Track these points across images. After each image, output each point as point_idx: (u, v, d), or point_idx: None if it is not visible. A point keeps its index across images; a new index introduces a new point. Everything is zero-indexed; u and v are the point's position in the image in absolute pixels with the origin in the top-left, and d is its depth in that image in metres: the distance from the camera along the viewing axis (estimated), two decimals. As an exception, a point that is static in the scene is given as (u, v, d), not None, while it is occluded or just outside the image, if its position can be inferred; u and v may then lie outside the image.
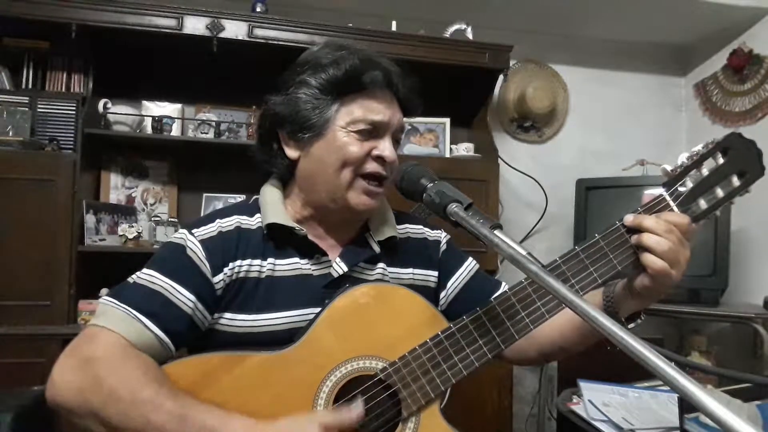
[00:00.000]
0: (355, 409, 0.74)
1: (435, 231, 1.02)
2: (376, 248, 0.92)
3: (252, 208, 0.91)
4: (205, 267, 0.82)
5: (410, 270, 0.96)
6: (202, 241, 0.83)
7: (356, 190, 0.85)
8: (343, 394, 0.79)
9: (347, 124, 0.84)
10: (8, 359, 1.85)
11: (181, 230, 0.87)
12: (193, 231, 0.85)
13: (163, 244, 0.92)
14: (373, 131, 0.85)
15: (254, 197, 0.95)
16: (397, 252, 0.95)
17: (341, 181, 0.84)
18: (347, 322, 0.81)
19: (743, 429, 0.38)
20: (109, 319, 0.76)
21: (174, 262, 0.82)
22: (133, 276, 0.82)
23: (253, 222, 0.89)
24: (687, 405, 0.99)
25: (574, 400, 1.29)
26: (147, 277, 0.81)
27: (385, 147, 0.85)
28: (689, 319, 2.52)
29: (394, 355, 0.80)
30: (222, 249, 0.84)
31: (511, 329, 0.79)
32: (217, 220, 0.87)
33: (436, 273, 0.98)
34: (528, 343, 0.89)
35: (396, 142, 0.89)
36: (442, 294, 0.99)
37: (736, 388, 1.11)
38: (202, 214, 2.33)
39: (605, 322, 0.50)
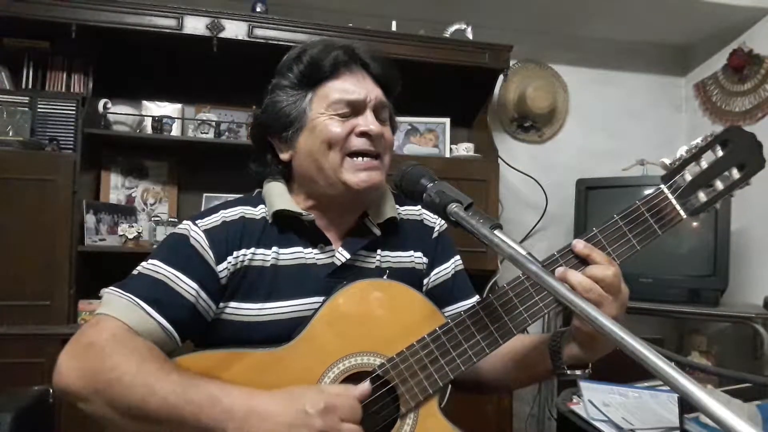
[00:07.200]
0: (361, 387, 0.74)
1: (433, 216, 1.02)
2: (377, 231, 0.92)
3: (256, 200, 0.92)
4: (209, 256, 0.83)
5: (410, 252, 0.96)
6: (205, 231, 0.84)
7: (349, 170, 0.85)
8: None
9: (325, 109, 0.86)
10: (8, 359, 1.85)
11: (184, 221, 0.88)
12: (197, 222, 0.86)
13: (167, 235, 0.93)
14: (352, 111, 0.86)
15: (257, 191, 0.95)
16: (398, 235, 0.96)
17: (331, 163, 0.85)
18: (345, 319, 0.82)
19: (743, 429, 0.38)
20: (113, 307, 0.77)
21: (177, 251, 0.83)
22: (138, 267, 0.83)
23: (257, 212, 0.90)
24: (687, 405, 0.99)
25: (574, 400, 1.29)
26: (150, 266, 0.81)
27: (366, 122, 0.86)
28: (689, 319, 2.52)
29: (392, 351, 0.80)
30: (226, 238, 0.85)
31: (509, 324, 0.79)
32: (221, 211, 0.88)
33: (426, 259, 0.98)
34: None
35: (382, 121, 0.89)
36: (425, 281, 0.98)
37: (736, 388, 1.12)
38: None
39: (605, 322, 0.50)
